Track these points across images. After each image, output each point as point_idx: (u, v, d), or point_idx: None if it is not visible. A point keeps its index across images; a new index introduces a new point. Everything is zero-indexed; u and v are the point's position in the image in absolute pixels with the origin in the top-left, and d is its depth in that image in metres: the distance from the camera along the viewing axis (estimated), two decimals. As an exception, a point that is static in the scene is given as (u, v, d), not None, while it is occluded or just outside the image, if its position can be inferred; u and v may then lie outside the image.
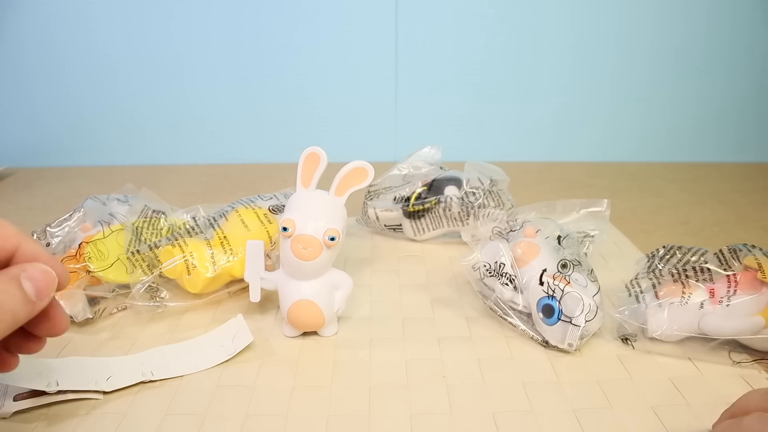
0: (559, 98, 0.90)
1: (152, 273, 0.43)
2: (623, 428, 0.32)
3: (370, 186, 0.57)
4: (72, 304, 0.41)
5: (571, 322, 0.37)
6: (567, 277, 0.39)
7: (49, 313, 0.27)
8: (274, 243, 0.46)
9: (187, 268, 0.43)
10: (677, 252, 0.41)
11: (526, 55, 0.87)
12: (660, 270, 0.41)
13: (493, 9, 0.84)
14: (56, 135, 0.90)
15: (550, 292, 0.38)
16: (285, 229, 0.37)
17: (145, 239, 0.45)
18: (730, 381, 0.36)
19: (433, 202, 0.54)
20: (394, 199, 0.57)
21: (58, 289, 0.26)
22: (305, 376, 0.37)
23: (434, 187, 0.55)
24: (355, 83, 0.88)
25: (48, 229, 0.47)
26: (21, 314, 0.24)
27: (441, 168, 0.58)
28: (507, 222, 0.48)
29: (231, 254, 0.44)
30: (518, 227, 0.45)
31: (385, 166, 0.59)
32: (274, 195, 0.51)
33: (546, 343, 0.39)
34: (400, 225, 0.58)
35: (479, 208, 0.53)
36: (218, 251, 0.44)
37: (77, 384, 0.34)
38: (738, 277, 0.37)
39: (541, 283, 0.39)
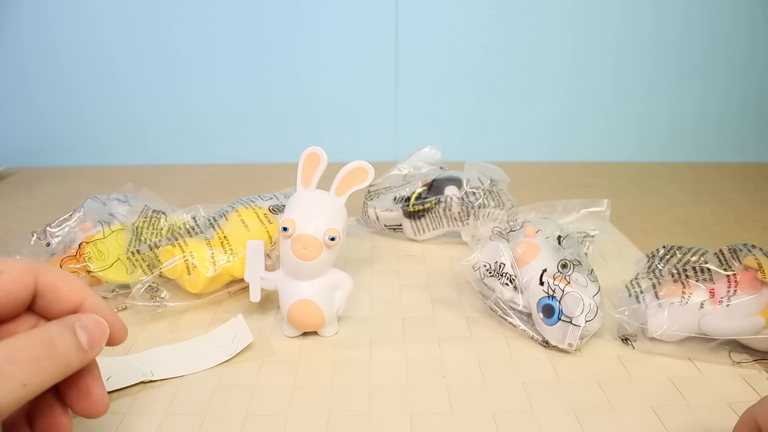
0: (559, 98, 0.90)
1: (152, 273, 0.43)
2: (623, 428, 0.32)
3: (370, 186, 0.57)
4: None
5: (571, 322, 0.37)
6: (567, 277, 0.39)
7: (89, 389, 0.26)
8: (274, 243, 0.46)
9: (187, 268, 0.43)
10: (677, 252, 0.41)
11: (527, 55, 0.87)
12: (660, 270, 0.41)
13: (493, 9, 0.84)
14: (56, 135, 0.90)
15: (550, 292, 0.38)
16: (285, 229, 0.37)
17: (145, 239, 0.45)
18: (730, 381, 0.36)
19: (433, 202, 0.54)
20: (394, 199, 0.57)
21: (115, 343, 0.27)
22: (305, 376, 0.36)
23: (434, 187, 0.55)
24: (355, 83, 0.88)
25: (48, 229, 0.47)
26: (73, 361, 0.25)
27: (441, 168, 0.57)
28: (507, 222, 0.48)
29: (231, 254, 0.44)
30: (518, 227, 0.45)
31: (385, 166, 0.59)
32: (274, 195, 0.51)
33: (546, 343, 0.39)
34: (400, 225, 0.58)
35: (479, 208, 0.53)
36: (218, 251, 0.44)
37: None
38: (738, 277, 0.37)
39: (541, 283, 0.39)
